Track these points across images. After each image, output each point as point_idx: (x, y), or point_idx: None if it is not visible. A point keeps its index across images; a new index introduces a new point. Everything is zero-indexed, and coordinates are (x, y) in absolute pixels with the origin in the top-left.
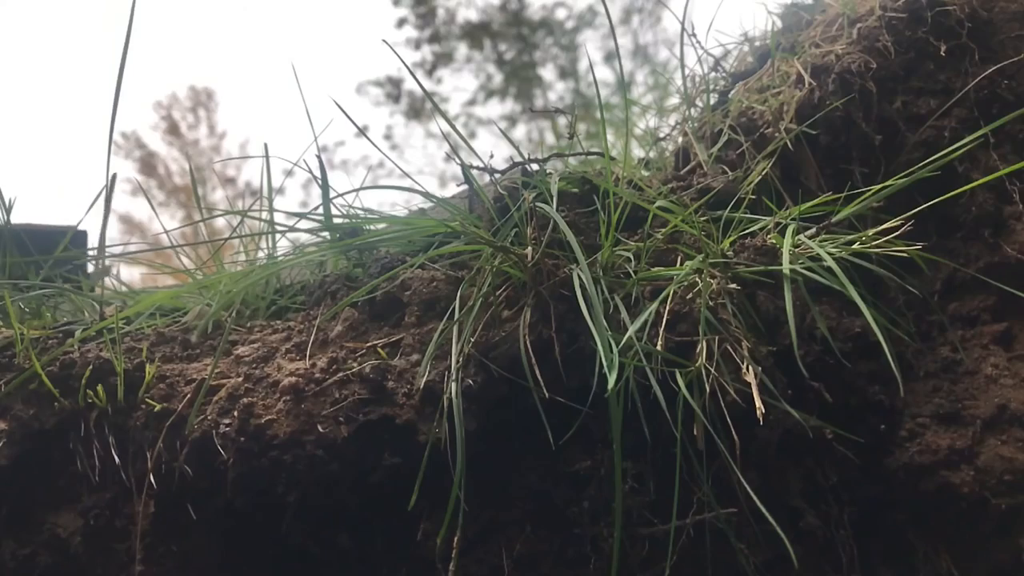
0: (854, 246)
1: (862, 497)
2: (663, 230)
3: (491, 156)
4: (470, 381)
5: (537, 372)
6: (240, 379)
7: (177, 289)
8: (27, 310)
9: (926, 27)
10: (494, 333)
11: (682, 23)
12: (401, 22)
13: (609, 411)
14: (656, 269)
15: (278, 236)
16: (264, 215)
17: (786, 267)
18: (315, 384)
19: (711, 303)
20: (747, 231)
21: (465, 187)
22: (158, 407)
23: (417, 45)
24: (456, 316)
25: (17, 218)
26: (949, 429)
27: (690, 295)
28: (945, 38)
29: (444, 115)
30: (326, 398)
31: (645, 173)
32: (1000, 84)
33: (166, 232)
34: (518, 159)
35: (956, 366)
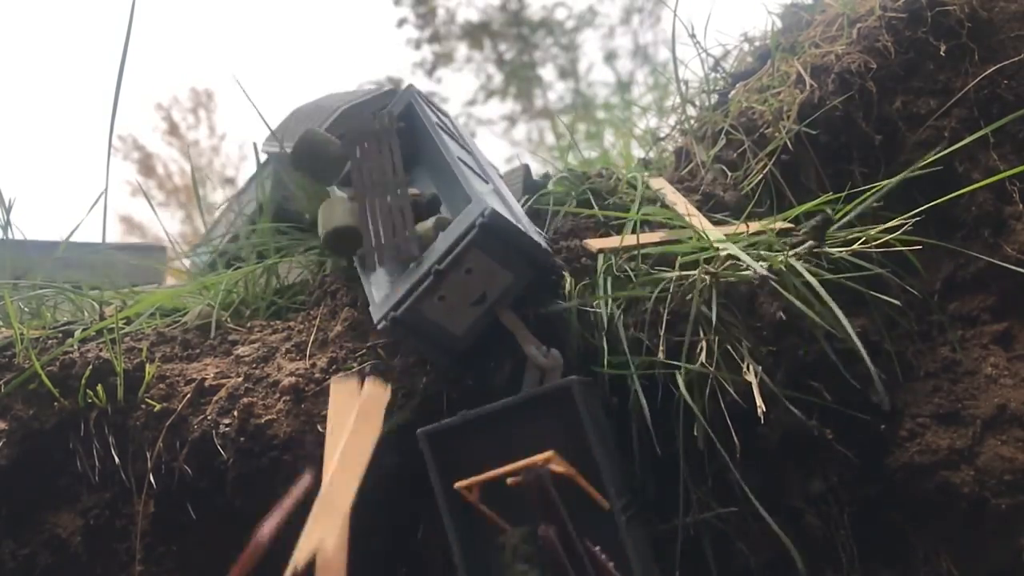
0: (854, 246)
1: (862, 497)
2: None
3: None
4: (470, 381)
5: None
6: (240, 379)
7: (177, 289)
8: (27, 310)
9: (926, 27)
10: None
11: (673, 24)
12: (401, 22)
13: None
14: (656, 269)
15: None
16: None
17: (786, 268)
18: (315, 384)
19: (711, 303)
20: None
21: None
22: (158, 407)
23: (417, 45)
24: None
25: (15, 219)
26: (949, 429)
27: (690, 296)
28: (945, 38)
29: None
30: (326, 398)
31: (645, 173)
32: (1000, 84)
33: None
34: (517, 159)
35: (956, 366)
